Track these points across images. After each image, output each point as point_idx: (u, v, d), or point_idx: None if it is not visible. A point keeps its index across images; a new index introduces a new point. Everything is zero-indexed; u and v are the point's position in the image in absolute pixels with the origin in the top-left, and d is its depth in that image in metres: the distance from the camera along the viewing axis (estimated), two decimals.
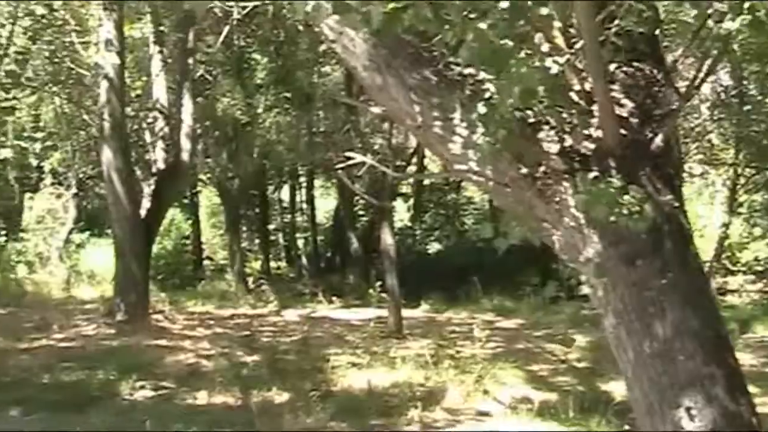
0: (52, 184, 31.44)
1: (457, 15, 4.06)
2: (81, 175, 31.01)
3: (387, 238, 19.32)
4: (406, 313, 19.37)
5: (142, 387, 13.02)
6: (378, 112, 6.16)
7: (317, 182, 35.46)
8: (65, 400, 11.90)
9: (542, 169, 4.71)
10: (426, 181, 33.03)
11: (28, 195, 32.28)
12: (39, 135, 28.68)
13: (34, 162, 30.69)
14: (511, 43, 4.14)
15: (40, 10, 14.73)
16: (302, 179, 35.89)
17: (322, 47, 25.50)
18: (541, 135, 4.74)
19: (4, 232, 30.69)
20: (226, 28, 22.98)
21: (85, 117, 24.79)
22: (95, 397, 12.26)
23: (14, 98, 16.86)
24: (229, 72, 27.45)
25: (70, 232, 30.70)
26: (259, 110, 28.66)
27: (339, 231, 32.50)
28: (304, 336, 17.34)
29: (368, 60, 5.04)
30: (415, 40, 4.91)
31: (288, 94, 27.51)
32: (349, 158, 6.69)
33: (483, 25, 4.05)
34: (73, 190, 30.84)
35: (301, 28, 22.20)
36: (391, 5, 4.01)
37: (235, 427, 10.43)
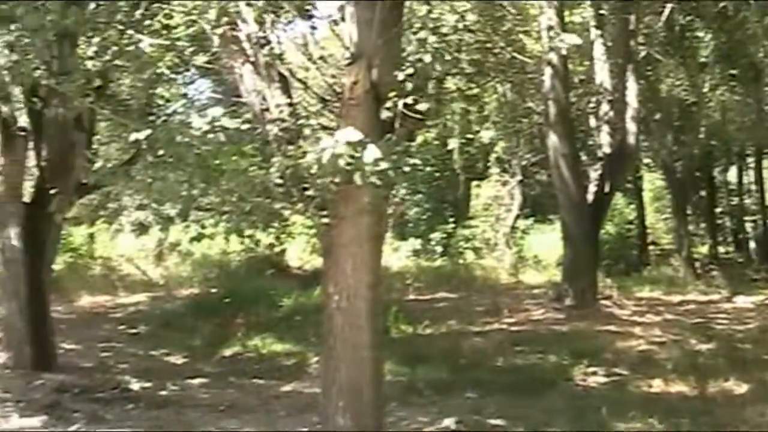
0: (498, 172, 32.15)
1: None
2: (525, 162, 31.53)
3: None
4: None
5: (594, 373, 13.04)
6: None
7: (766, 162, 33.71)
8: (519, 383, 12.11)
9: None
10: None
11: (474, 183, 33.35)
12: (485, 125, 29.49)
13: (480, 151, 31.64)
14: None
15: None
16: (750, 159, 34.37)
17: None
18: None
19: (452, 220, 31.93)
20: (668, 7, 22.40)
21: (530, 104, 25.16)
22: (548, 381, 12.38)
23: (478, 86, 17.41)
24: (670, 52, 26.76)
25: (516, 219, 31.33)
26: (705, 89, 27.74)
27: None
28: (762, 324, 16.56)
29: None
30: None
31: (734, 71, 26.34)
32: None
33: None
34: (518, 177, 31.41)
35: None
36: None
37: (695, 417, 10.04)
